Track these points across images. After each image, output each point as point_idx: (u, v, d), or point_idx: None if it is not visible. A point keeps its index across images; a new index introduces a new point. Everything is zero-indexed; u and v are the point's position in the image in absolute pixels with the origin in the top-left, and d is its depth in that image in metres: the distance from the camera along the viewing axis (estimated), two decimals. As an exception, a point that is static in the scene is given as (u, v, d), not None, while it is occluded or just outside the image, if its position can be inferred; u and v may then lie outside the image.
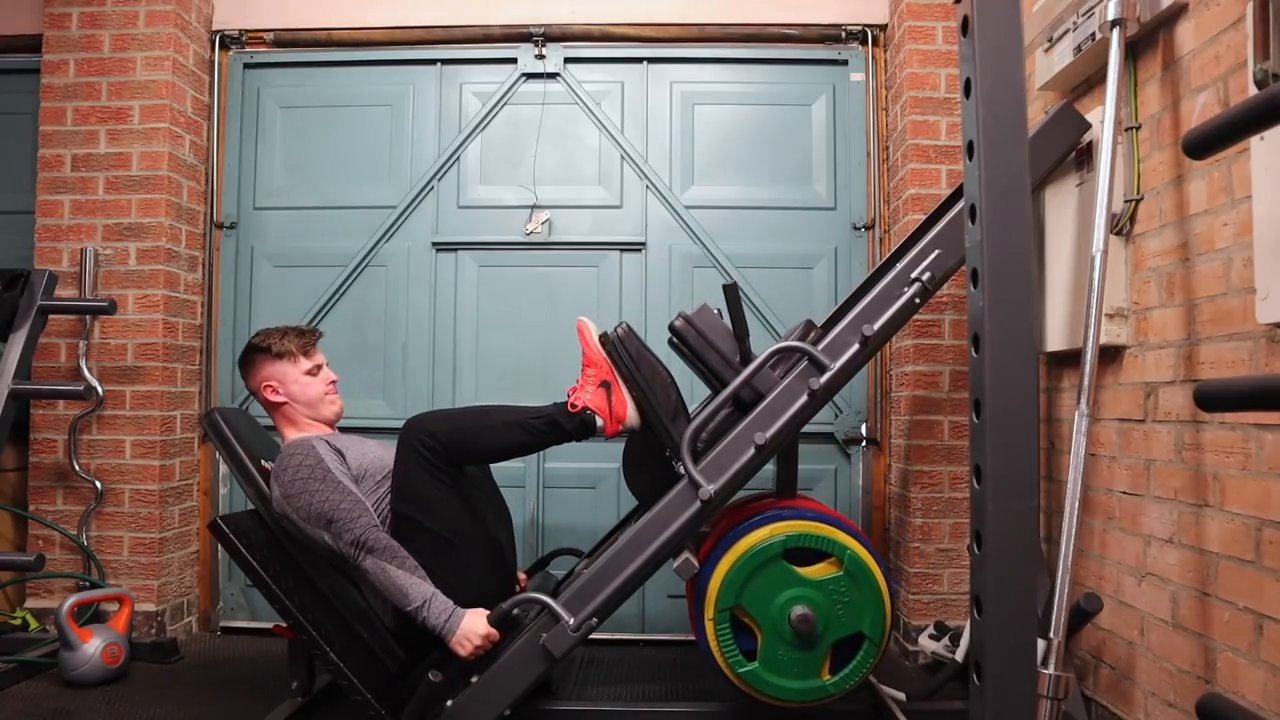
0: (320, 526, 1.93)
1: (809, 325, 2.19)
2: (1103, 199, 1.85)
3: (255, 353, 2.19)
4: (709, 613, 1.93)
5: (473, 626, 1.87)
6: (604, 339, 2.03)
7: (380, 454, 2.13)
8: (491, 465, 2.24)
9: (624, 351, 1.99)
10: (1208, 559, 1.68)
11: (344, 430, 2.29)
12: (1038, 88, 2.30)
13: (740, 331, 2.02)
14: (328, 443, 2.08)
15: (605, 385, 2.00)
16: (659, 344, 2.30)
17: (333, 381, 2.24)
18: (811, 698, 1.94)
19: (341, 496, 1.94)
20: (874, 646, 1.93)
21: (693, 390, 2.67)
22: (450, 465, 1.96)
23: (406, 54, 3.18)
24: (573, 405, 1.99)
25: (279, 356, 2.16)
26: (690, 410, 2.09)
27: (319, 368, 2.21)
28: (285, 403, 2.17)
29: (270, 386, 2.16)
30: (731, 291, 2.00)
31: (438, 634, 1.87)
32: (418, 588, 1.89)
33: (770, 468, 2.22)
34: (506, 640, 1.91)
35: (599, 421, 1.99)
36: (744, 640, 1.94)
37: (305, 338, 2.22)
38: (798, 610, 1.89)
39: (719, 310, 2.08)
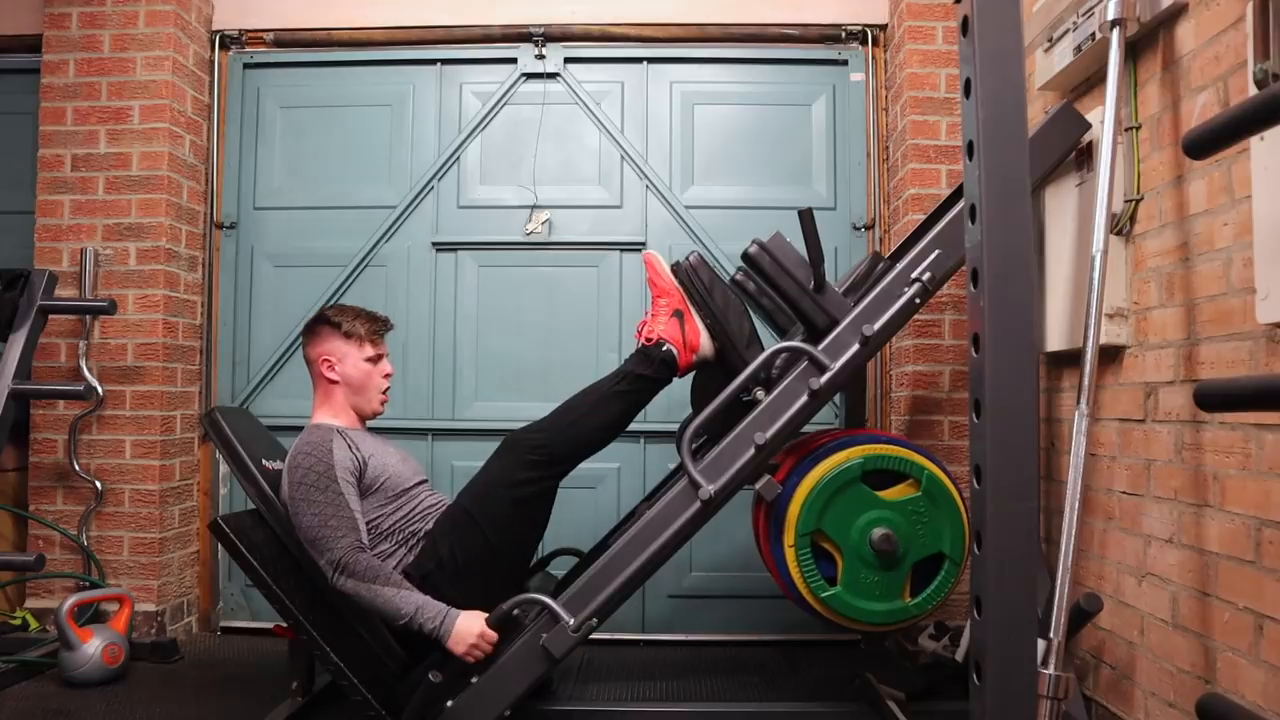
0: (305, 541, 1.92)
1: (876, 257, 2.14)
2: (1103, 199, 1.85)
3: (324, 324, 2.16)
4: (789, 539, 1.94)
5: (468, 627, 1.86)
6: (675, 268, 2.03)
7: (400, 469, 2.11)
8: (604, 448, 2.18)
9: (698, 279, 1.99)
10: (1208, 559, 1.68)
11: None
12: (1038, 88, 2.30)
13: (815, 257, 1.96)
14: (348, 440, 2.04)
15: (678, 315, 2.00)
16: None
17: (388, 375, 2.21)
18: (895, 620, 1.96)
19: (333, 512, 1.91)
20: (955, 566, 1.95)
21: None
22: (558, 468, 1.97)
23: (406, 54, 3.18)
24: (647, 339, 1.99)
25: (347, 336, 2.14)
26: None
27: (380, 357, 2.19)
28: (337, 382, 2.14)
29: (328, 361, 2.13)
30: (807, 216, 1.94)
31: (435, 638, 1.87)
32: (406, 600, 1.87)
33: (831, 407, 2.15)
34: (507, 641, 1.91)
35: (675, 353, 1.97)
36: (824, 566, 1.96)
37: (376, 324, 2.19)
38: (879, 531, 1.91)
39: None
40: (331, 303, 3.10)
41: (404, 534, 2.04)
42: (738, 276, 2.05)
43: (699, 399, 2.21)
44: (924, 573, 1.97)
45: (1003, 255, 1.36)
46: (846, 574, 1.94)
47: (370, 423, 2.24)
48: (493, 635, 1.88)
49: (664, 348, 1.98)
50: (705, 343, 2.00)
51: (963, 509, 1.97)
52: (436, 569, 1.94)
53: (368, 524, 2.00)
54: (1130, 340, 1.98)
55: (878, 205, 3.09)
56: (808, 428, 2.09)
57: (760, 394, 1.93)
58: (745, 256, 2.01)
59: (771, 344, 2.03)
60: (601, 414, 2.00)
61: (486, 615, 1.88)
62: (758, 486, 1.93)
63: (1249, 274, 1.55)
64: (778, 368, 1.99)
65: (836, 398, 2.71)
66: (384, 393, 2.20)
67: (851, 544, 1.93)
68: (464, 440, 3.08)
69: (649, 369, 1.98)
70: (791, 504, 1.95)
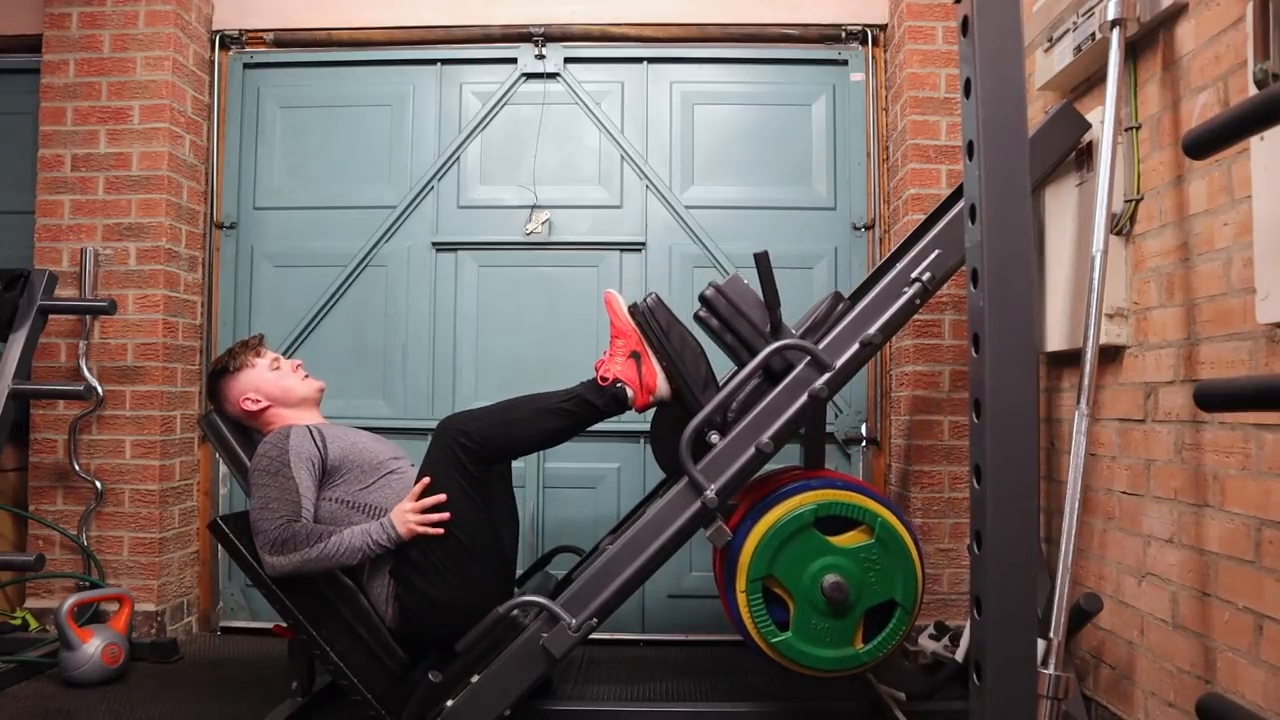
0: (251, 528, 1.93)
1: (836, 297, 2.16)
2: (1103, 199, 1.85)
3: (217, 380, 2.20)
4: (740, 584, 1.93)
5: (399, 511, 1.93)
6: (633, 309, 2.03)
7: (370, 445, 2.13)
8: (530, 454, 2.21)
9: (654, 321, 1.99)
10: (1208, 559, 1.68)
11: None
12: (1038, 88, 2.30)
13: (771, 300, 1.99)
14: (310, 429, 2.07)
15: (635, 356, 2.00)
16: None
17: (298, 365, 2.24)
18: (845, 666, 1.95)
19: (277, 495, 1.93)
20: (906, 614, 1.94)
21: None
22: (484, 463, 1.97)
23: (406, 54, 3.18)
24: (602, 378, 1.99)
25: (239, 369, 2.18)
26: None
27: (276, 360, 2.22)
28: (268, 406, 2.18)
29: (248, 399, 2.17)
30: (763, 260, 1.96)
31: (393, 546, 1.92)
32: (350, 540, 1.90)
33: (792, 446, 2.20)
34: (507, 641, 1.91)
35: (629, 393, 1.98)
36: (776, 611, 1.95)
37: (249, 343, 2.24)
38: (830, 579, 1.90)
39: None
40: (327, 305, 3.11)
41: (379, 509, 2.04)
42: (701, 313, 2.06)
43: (658, 437, 2.23)
44: (876, 620, 1.95)
45: (1003, 255, 1.36)
46: (798, 620, 1.93)
47: (370, 423, 2.25)
48: (423, 504, 1.91)
49: (618, 385, 1.99)
50: (662, 384, 2.01)
51: (916, 557, 1.95)
52: (413, 571, 1.95)
53: (346, 503, 2.03)
54: (1130, 340, 1.98)
55: (878, 205, 3.09)
56: (769, 466, 2.07)
57: (715, 438, 1.93)
58: (702, 299, 2.04)
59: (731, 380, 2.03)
60: (540, 425, 2.00)
61: (404, 505, 1.93)
62: (708, 534, 1.92)
63: (1249, 274, 1.55)
64: (739, 402, 1.98)
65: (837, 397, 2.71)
66: (305, 379, 2.23)
67: (803, 590, 1.92)
68: (464, 440, 3.08)
69: (598, 399, 1.99)
70: (744, 550, 1.94)
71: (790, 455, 2.70)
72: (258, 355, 2.21)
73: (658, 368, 2.00)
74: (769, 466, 2.08)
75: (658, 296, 2.04)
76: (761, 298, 2.02)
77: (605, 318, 3.08)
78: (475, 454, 1.94)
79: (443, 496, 1.93)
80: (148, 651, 2.73)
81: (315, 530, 1.91)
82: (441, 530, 1.93)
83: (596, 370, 2.02)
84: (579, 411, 2.00)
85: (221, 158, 3.20)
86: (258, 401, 2.17)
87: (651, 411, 2.13)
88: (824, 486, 2.00)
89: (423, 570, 1.94)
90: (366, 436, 2.19)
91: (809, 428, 2.19)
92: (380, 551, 1.92)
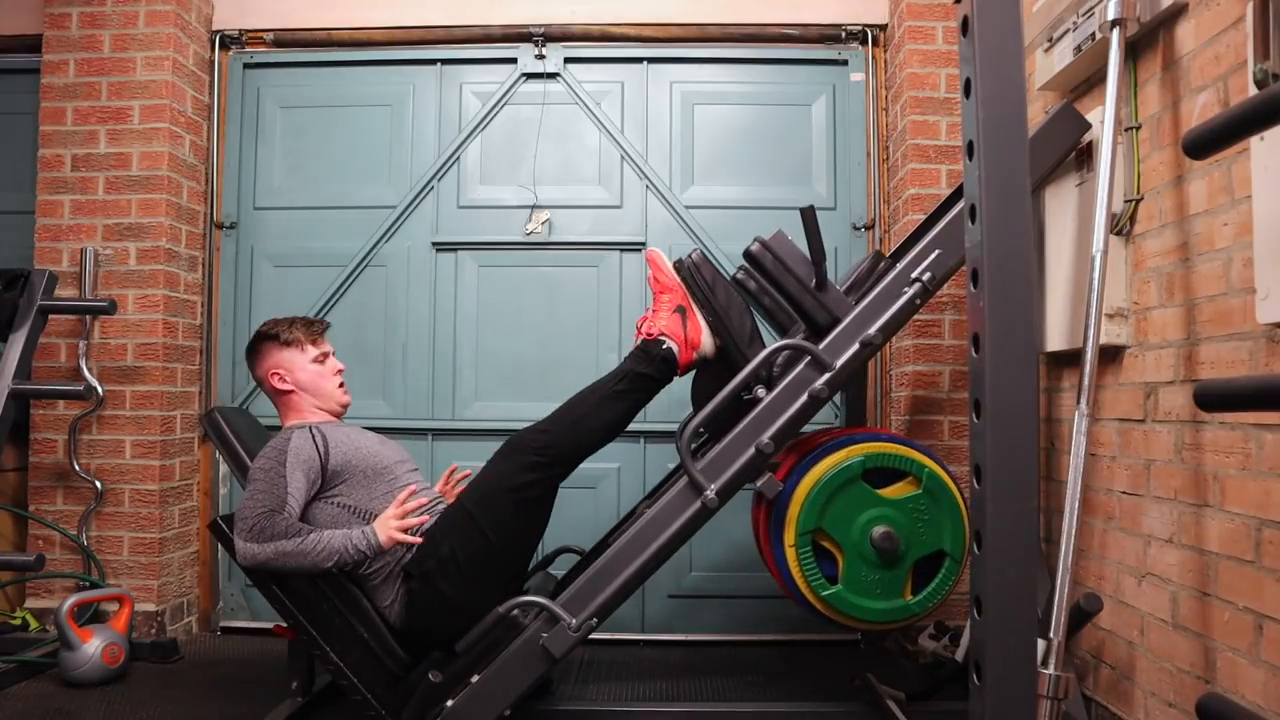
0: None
1: (878, 256, 2.14)
2: (1103, 199, 1.85)
3: (263, 340, 2.17)
4: (789, 538, 1.94)
5: (382, 521, 1.92)
6: (678, 265, 2.04)
7: (378, 449, 2.11)
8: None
9: (700, 276, 1.99)
10: (1208, 559, 1.68)
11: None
12: (1038, 88, 2.30)
13: (817, 255, 1.97)
14: (313, 431, 2.04)
15: (680, 311, 2.00)
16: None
17: (339, 371, 2.22)
18: (897, 618, 1.96)
19: (265, 488, 1.91)
20: (955, 564, 1.95)
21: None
22: (563, 468, 1.98)
23: (406, 54, 3.18)
24: (648, 334, 1.99)
25: (287, 344, 2.15)
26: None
27: (326, 355, 2.20)
28: (292, 391, 2.15)
29: (277, 374, 2.14)
30: (810, 214, 1.95)
31: (374, 554, 1.92)
32: (329, 541, 1.88)
33: (831, 407, 2.15)
34: (506, 641, 1.91)
35: (675, 349, 1.98)
36: (825, 565, 1.96)
37: (313, 326, 2.21)
38: (880, 530, 1.91)
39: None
40: (327, 306, 3.11)
41: (374, 515, 2.02)
42: (738, 275, 2.05)
43: (699, 397, 2.21)
44: (925, 571, 1.97)
45: (1003, 255, 1.36)
46: (847, 572, 1.94)
47: (370, 424, 2.24)
48: (403, 510, 1.92)
49: (664, 345, 1.99)
50: (707, 340, 2.01)
51: (963, 507, 1.97)
52: (436, 567, 1.94)
53: (349, 508, 2.01)
54: (1130, 340, 1.98)
55: (878, 205, 3.09)
56: (808, 426, 2.08)
57: (761, 391, 1.94)
58: (747, 254, 2.01)
59: (772, 343, 2.03)
60: (604, 414, 2.01)
61: (388, 513, 1.93)
62: (759, 484, 1.93)
63: (1249, 274, 1.55)
64: (779, 365, 1.99)
65: (837, 396, 2.72)
66: (341, 388, 2.21)
67: (852, 542, 1.93)
68: (464, 440, 3.08)
69: (649, 367, 1.99)
70: (792, 503, 1.95)
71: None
72: (312, 342, 2.17)
73: (703, 323, 2.00)
74: (809, 427, 2.08)
75: (703, 252, 2.04)
76: (807, 254, 2.00)
77: (605, 318, 3.11)
78: (551, 464, 1.95)
79: (423, 500, 1.95)
80: (148, 651, 2.73)
81: (296, 525, 1.89)
82: (420, 539, 1.93)
83: (638, 329, 2.01)
84: (634, 388, 2.00)
85: (221, 158, 3.20)
86: (284, 381, 2.14)
87: (653, 410, 2.13)
88: (870, 440, 2.01)
89: (447, 569, 1.93)
90: (373, 439, 2.16)
91: (852, 389, 2.16)
92: (359, 558, 1.91)
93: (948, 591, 1.96)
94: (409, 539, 1.93)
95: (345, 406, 2.23)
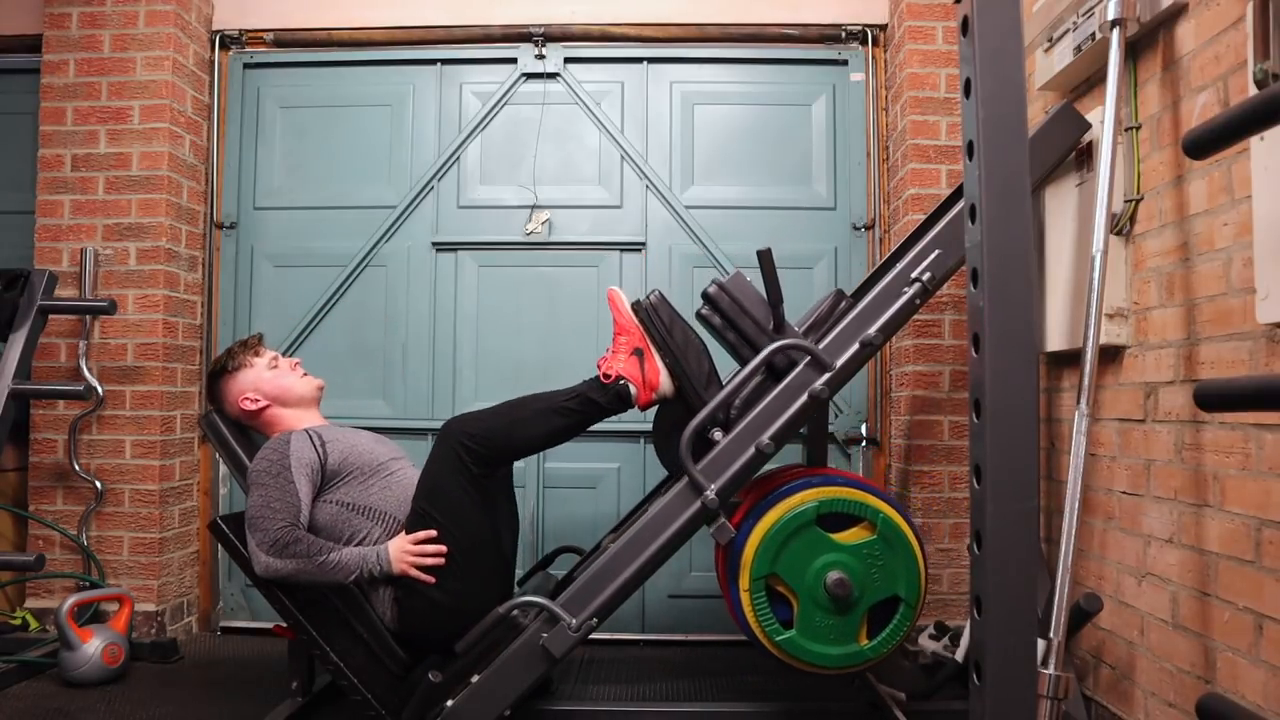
0: (246, 522, 1.93)
1: (839, 295, 2.16)
2: (1103, 199, 1.85)
3: (215, 380, 2.20)
4: (744, 582, 1.93)
5: (398, 547, 1.93)
6: (636, 306, 2.03)
7: (372, 447, 2.13)
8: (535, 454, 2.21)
9: (657, 318, 1.99)
10: (1208, 559, 1.68)
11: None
12: (1038, 88, 2.30)
13: (774, 297, 1.99)
14: (310, 434, 2.06)
15: (638, 353, 2.00)
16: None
17: (296, 364, 2.24)
18: (850, 663, 1.94)
19: (279, 495, 1.93)
20: (910, 609, 1.94)
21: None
22: (488, 465, 1.96)
23: (406, 54, 3.18)
24: (605, 375, 1.99)
25: (237, 369, 2.18)
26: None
27: (275, 359, 2.22)
28: (267, 406, 2.18)
29: (246, 398, 2.17)
30: (766, 257, 1.96)
31: (384, 576, 1.93)
32: (347, 559, 1.90)
33: (793, 446, 2.20)
34: (507, 641, 1.91)
35: (632, 390, 1.98)
36: (780, 609, 1.95)
37: (247, 343, 2.24)
38: (833, 575, 1.90)
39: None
40: (327, 306, 3.11)
41: (377, 512, 2.04)
42: (703, 310, 2.06)
43: (660, 433, 2.23)
44: (880, 616, 1.95)
45: (1003, 255, 1.36)
46: (801, 617, 1.93)
47: (370, 424, 2.24)
48: (417, 536, 1.93)
49: (620, 382, 1.99)
50: (665, 381, 2.00)
51: (919, 552, 1.95)
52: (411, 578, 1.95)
53: (346, 505, 2.03)
54: (1130, 340, 1.98)
55: (878, 205, 3.09)
56: (770, 464, 2.08)
57: (718, 434, 1.94)
58: (705, 296, 2.03)
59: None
60: (545, 425, 2.00)
61: (403, 542, 1.94)
62: (711, 531, 1.92)
63: (1249, 274, 1.55)
64: (742, 399, 1.98)
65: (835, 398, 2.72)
66: (305, 377, 2.23)
67: (806, 587, 1.92)
68: (464, 440, 3.08)
69: (602, 397, 1.99)
70: (746, 548, 1.94)
71: (791, 455, 2.71)
72: (256, 354, 2.21)
73: (661, 365, 1.99)
74: (770, 465, 2.08)
75: (660, 294, 2.04)
76: (764, 295, 2.01)
77: (605, 317, 3.09)
78: (480, 456, 1.93)
79: (435, 535, 1.94)
80: (148, 651, 2.73)
81: (317, 543, 1.91)
82: (433, 579, 1.93)
83: (599, 367, 2.01)
84: (583, 410, 1.99)
85: (221, 158, 3.20)
86: (256, 401, 2.17)
87: (653, 411, 2.13)
88: (825, 484, 2.00)
89: (426, 572, 1.94)
90: (367, 437, 2.18)
91: (811, 427, 2.19)
92: (368, 578, 1.93)
93: (903, 636, 1.95)
94: (421, 576, 1.92)
95: (320, 389, 2.25)
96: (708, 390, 1.97)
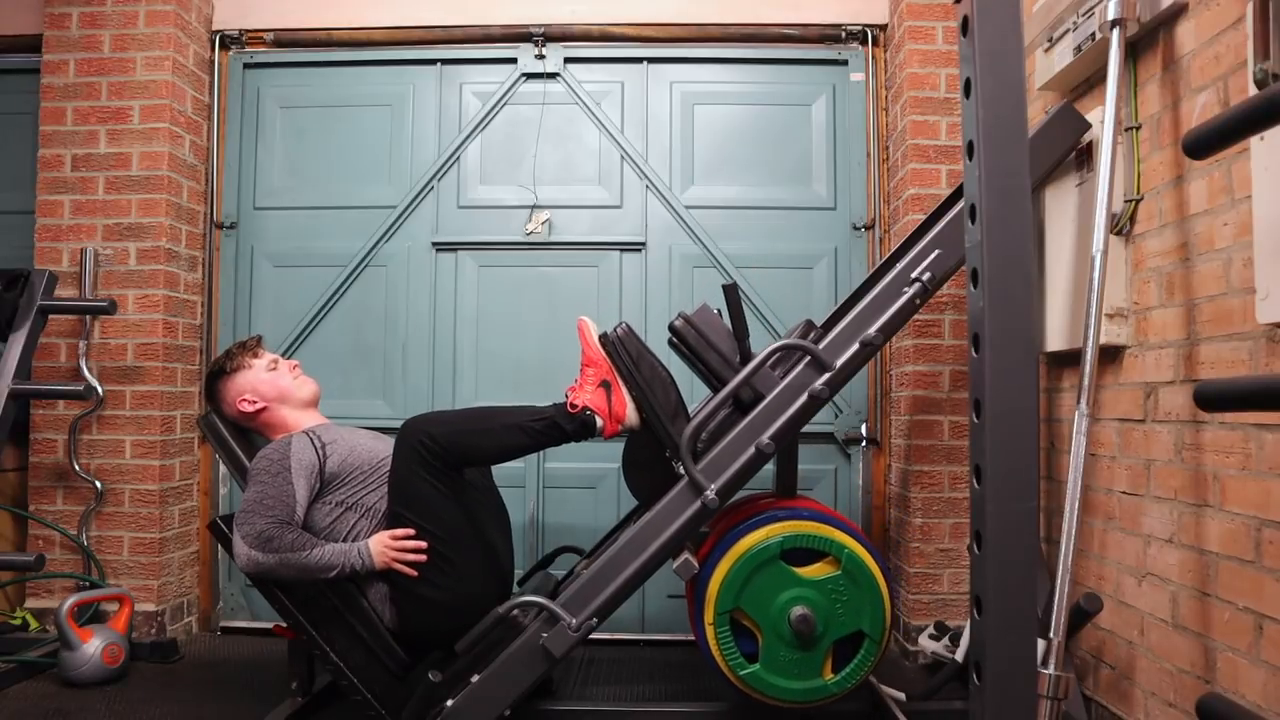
0: (234, 524, 1.94)
1: (809, 325, 2.18)
2: (1103, 199, 1.85)
3: (214, 381, 2.21)
4: (708, 617, 1.94)
5: (379, 541, 1.95)
6: (604, 339, 2.03)
7: (371, 445, 2.14)
8: (492, 466, 2.24)
9: (624, 351, 1.99)
10: (1208, 559, 1.68)
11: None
12: (1038, 88, 2.30)
13: (740, 331, 2.01)
14: (311, 436, 2.07)
15: (605, 385, 2.01)
16: (659, 344, 2.31)
17: (294, 366, 2.25)
18: (814, 698, 1.94)
19: (274, 494, 1.94)
20: (874, 645, 1.93)
21: (692, 390, 2.68)
22: (448, 467, 1.96)
23: (406, 54, 3.18)
24: (572, 405, 1.99)
25: (235, 370, 2.19)
26: (691, 410, 2.09)
27: (275, 362, 2.23)
28: (265, 408, 2.18)
29: (244, 399, 2.17)
30: (731, 291, 2.00)
31: (365, 572, 1.95)
32: (329, 555, 1.92)
33: (770, 468, 2.22)
34: (507, 641, 1.91)
35: (598, 422, 1.99)
36: (745, 642, 1.95)
37: (246, 345, 2.25)
38: (797, 611, 1.89)
39: (719, 310, 2.07)
40: (327, 305, 3.12)
41: (374, 510, 2.05)
42: (671, 341, 2.07)
43: (630, 465, 2.25)
44: (845, 650, 1.94)
45: (1003, 255, 1.36)
46: (766, 652, 1.93)
47: (370, 424, 2.25)
48: (396, 533, 1.94)
49: (587, 413, 1.99)
50: (631, 414, 2.00)
51: (883, 587, 1.95)
52: (402, 577, 1.96)
53: (344, 504, 2.04)
54: (1130, 340, 1.98)
55: (878, 205, 3.09)
56: (742, 492, 2.08)
57: (680, 467, 1.95)
58: (671, 329, 2.04)
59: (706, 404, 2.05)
60: (504, 440, 2.00)
61: (384, 537, 1.96)
62: (675, 567, 1.93)
63: (1249, 274, 1.55)
64: (716, 426, 1.98)
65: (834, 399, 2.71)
66: (297, 376, 2.24)
67: (770, 622, 1.92)
68: (464, 440, 3.08)
69: (568, 424, 1.99)
70: (711, 582, 1.94)
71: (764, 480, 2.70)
72: (255, 356, 2.21)
73: (627, 397, 2.00)
74: (742, 493, 2.09)
75: (628, 326, 2.04)
76: (731, 328, 2.03)
77: (605, 318, 3.10)
78: (438, 456, 1.94)
79: (422, 544, 1.94)
80: (148, 651, 2.73)
81: (301, 538, 1.92)
82: (415, 573, 1.94)
83: (567, 397, 2.01)
84: (547, 433, 1.99)
85: (221, 158, 3.20)
86: (254, 403, 2.17)
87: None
88: (791, 518, 1.99)
89: (415, 570, 1.94)
90: (367, 436, 2.19)
91: (781, 455, 2.18)
92: (351, 574, 1.94)
93: (867, 671, 1.94)
94: (405, 569, 1.94)
95: (315, 394, 2.26)
96: (675, 422, 1.97)
